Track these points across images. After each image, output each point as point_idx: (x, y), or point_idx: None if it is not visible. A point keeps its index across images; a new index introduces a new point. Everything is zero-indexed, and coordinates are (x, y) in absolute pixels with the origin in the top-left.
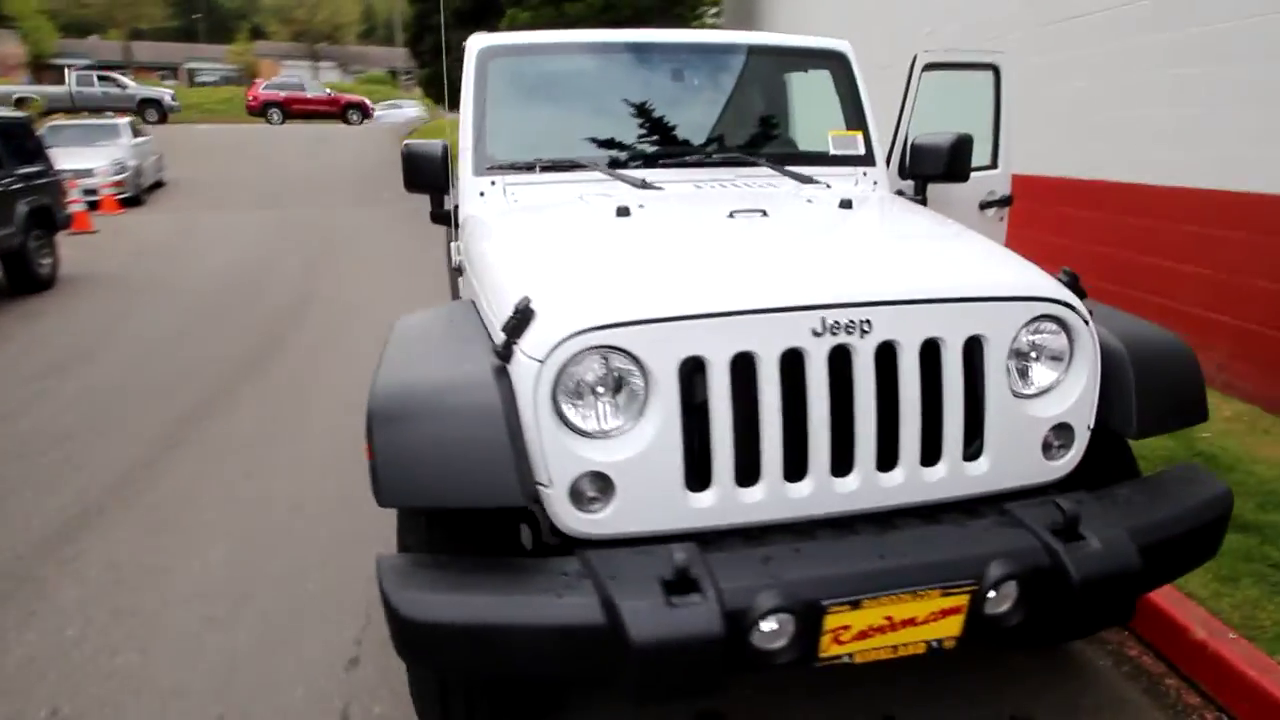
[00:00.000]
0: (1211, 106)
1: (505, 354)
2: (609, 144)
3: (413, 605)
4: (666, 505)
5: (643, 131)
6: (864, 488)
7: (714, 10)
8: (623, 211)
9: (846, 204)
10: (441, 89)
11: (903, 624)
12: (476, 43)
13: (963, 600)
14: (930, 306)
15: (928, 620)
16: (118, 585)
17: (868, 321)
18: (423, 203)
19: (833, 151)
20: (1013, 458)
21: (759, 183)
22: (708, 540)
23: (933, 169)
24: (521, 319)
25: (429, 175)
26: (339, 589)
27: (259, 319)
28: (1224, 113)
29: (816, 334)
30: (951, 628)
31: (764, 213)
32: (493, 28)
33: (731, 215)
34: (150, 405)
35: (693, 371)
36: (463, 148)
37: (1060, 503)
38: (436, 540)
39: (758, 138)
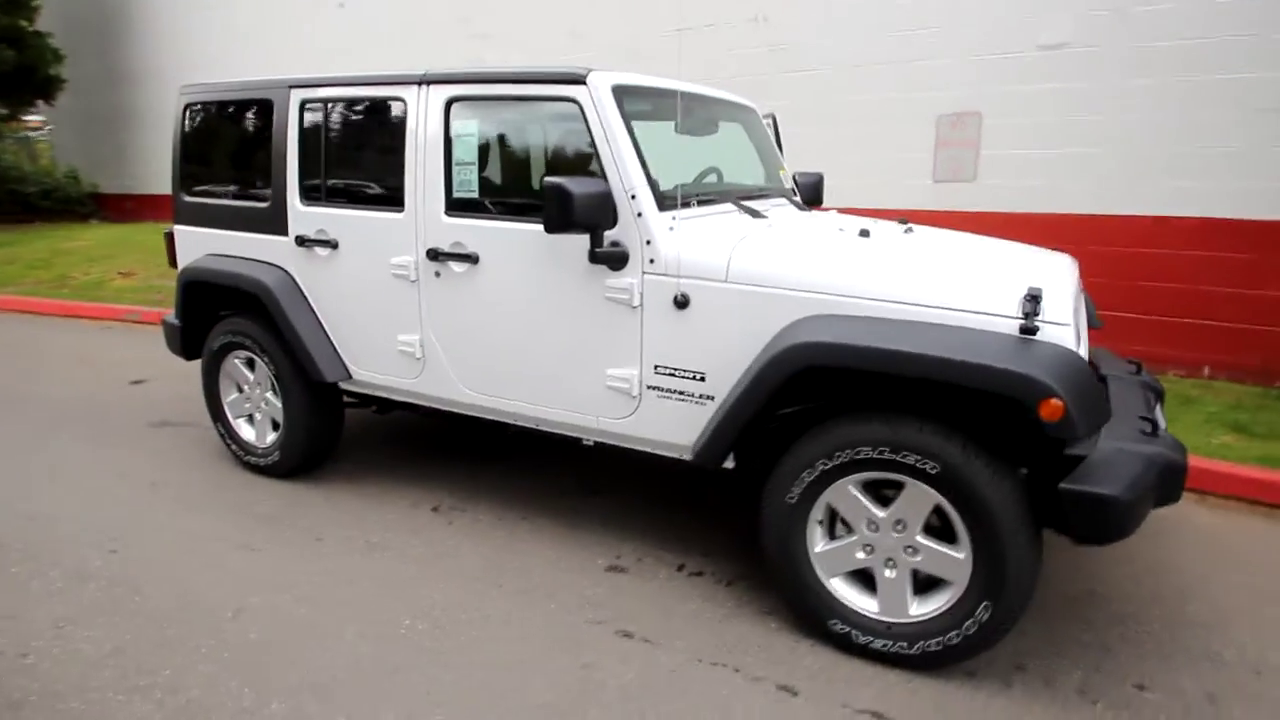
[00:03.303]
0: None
1: (1031, 328)
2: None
3: (1129, 492)
4: None
5: (708, 168)
6: None
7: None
8: (864, 233)
9: (903, 221)
10: None
11: None
12: (604, 80)
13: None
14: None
15: None
16: None
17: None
18: None
19: (786, 185)
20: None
21: (789, 209)
22: None
23: (809, 197)
24: (1036, 301)
25: (596, 213)
26: None
27: None
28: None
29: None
30: None
31: (911, 229)
32: None
33: (908, 230)
34: None
35: None
36: (632, 184)
37: (1135, 361)
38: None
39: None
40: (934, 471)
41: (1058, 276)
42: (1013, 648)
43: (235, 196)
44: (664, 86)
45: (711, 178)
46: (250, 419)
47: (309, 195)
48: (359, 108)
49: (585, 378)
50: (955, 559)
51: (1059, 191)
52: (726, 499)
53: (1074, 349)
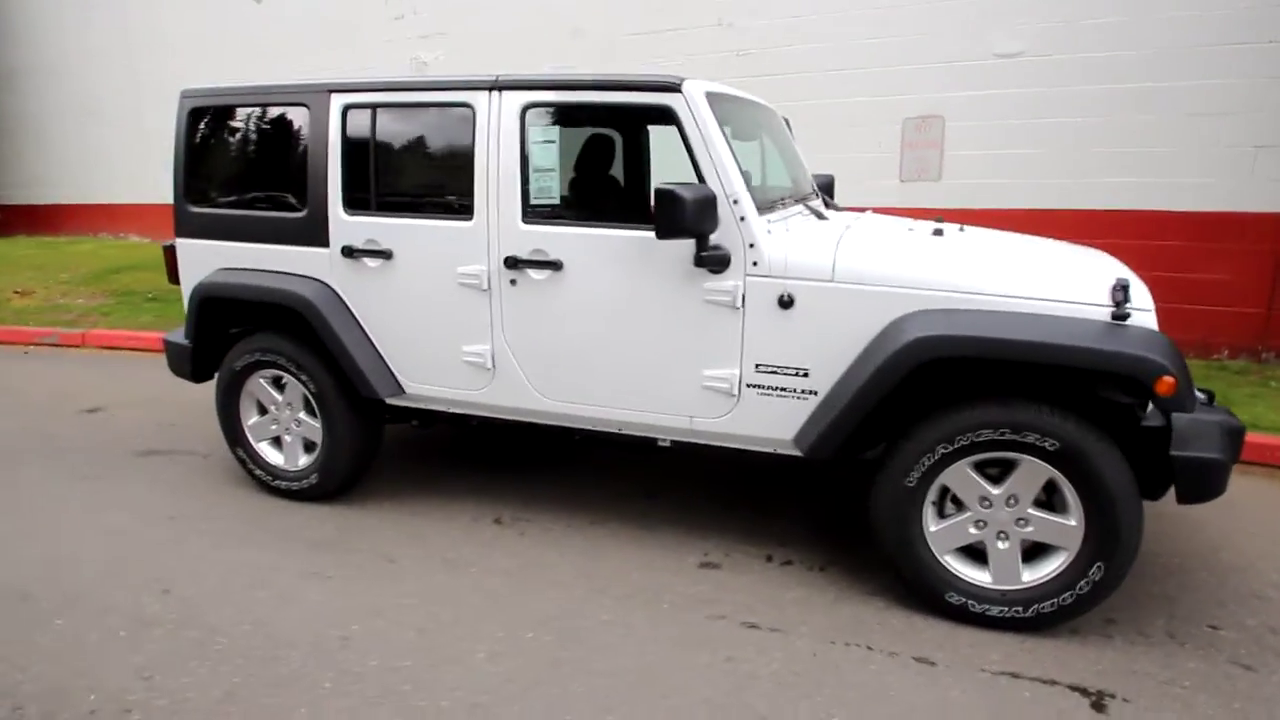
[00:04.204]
0: None
1: (1123, 314)
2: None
3: (1225, 454)
4: None
5: (762, 172)
6: None
7: None
8: (938, 232)
9: (939, 219)
10: None
11: None
12: (699, 88)
13: None
14: None
15: None
16: None
17: None
18: None
19: (811, 187)
20: None
21: (832, 211)
22: None
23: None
24: (1126, 290)
25: (705, 219)
26: None
27: None
28: None
29: None
30: None
31: (963, 228)
32: None
33: (961, 230)
34: None
35: None
36: (734, 190)
37: None
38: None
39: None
40: (1052, 448)
41: (1121, 267)
42: (1101, 605)
43: (258, 206)
44: (736, 94)
45: None
46: (277, 442)
47: (355, 204)
48: (416, 113)
49: (680, 379)
50: (1068, 526)
51: (1017, 188)
52: (780, 490)
53: (1159, 332)
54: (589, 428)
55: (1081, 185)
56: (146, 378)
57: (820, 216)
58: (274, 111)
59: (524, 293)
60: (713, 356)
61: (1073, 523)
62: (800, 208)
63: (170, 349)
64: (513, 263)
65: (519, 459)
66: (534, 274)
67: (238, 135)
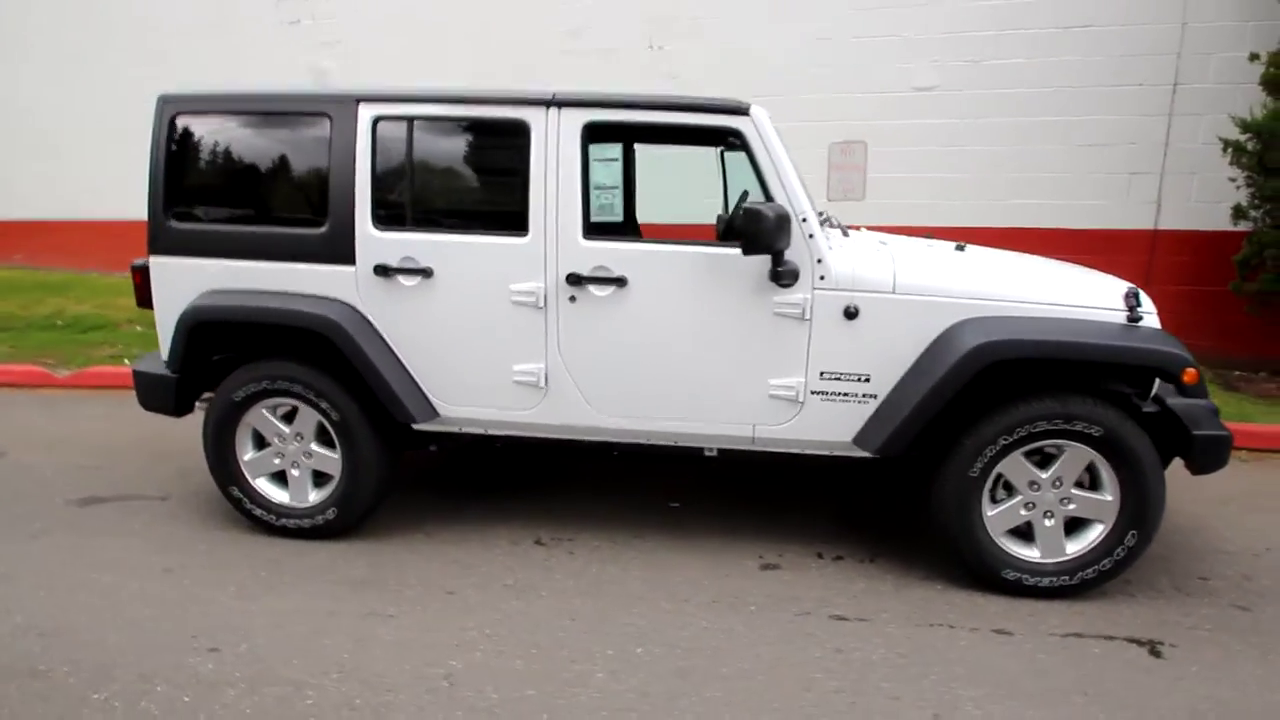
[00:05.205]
0: None
1: (1137, 317)
2: None
3: (1226, 430)
4: None
5: (744, 191)
6: None
7: None
8: (960, 248)
9: (929, 236)
10: None
11: None
12: (763, 112)
13: None
14: None
15: None
16: None
17: None
18: None
19: None
20: None
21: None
22: None
23: None
24: (1137, 296)
25: (784, 235)
26: None
27: None
28: None
29: None
30: None
31: (964, 246)
32: None
33: (964, 247)
34: None
35: None
36: (803, 209)
37: None
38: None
39: None
40: (1097, 434)
41: (1116, 279)
42: None
43: (264, 222)
44: None
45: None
46: (280, 477)
47: (387, 220)
48: (459, 127)
49: (746, 390)
50: (1105, 501)
51: (935, 208)
52: (798, 492)
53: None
54: (642, 441)
55: (992, 206)
56: (32, 417)
57: (845, 233)
58: (284, 121)
59: (584, 310)
60: (779, 366)
61: (1109, 498)
62: (827, 225)
63: (144, 381)
64: (574, 279)
65: (529, 477)
66: (596, 290)
67: (236, 145)
